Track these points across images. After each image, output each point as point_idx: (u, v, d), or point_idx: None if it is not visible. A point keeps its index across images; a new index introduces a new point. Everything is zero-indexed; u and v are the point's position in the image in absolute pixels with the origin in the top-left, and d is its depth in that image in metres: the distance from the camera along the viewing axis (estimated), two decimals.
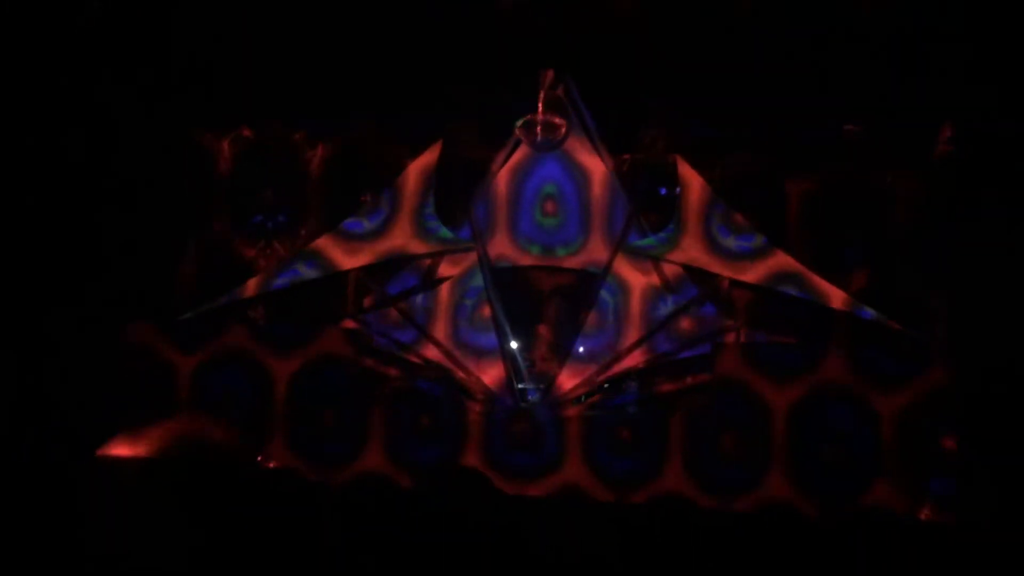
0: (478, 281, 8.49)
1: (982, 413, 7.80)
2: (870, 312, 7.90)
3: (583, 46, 8.22)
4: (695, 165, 8.38)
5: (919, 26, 8.11)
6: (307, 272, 8.36)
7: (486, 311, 8.44)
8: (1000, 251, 7.86)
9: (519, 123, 8.20)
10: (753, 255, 8.18)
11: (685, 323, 8.40)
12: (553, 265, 8.69)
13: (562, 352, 8.40)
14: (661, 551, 6.69)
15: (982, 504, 7.52)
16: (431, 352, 8.47)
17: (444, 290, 8.60)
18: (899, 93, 8.16)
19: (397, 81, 8.39)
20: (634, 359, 8.35)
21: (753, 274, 8.13)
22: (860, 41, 8.21)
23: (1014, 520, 7.23)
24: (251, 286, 8.40)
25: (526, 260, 8.69)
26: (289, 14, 8.34)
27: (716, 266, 8.23)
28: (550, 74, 8.22)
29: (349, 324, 8.57)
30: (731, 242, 8.22)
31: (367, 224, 8.47)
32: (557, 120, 8.18)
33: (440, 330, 8.48)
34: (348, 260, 8.37)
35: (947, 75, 8.05)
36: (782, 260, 8.11)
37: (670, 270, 8.48)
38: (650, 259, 8.47)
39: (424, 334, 8.44)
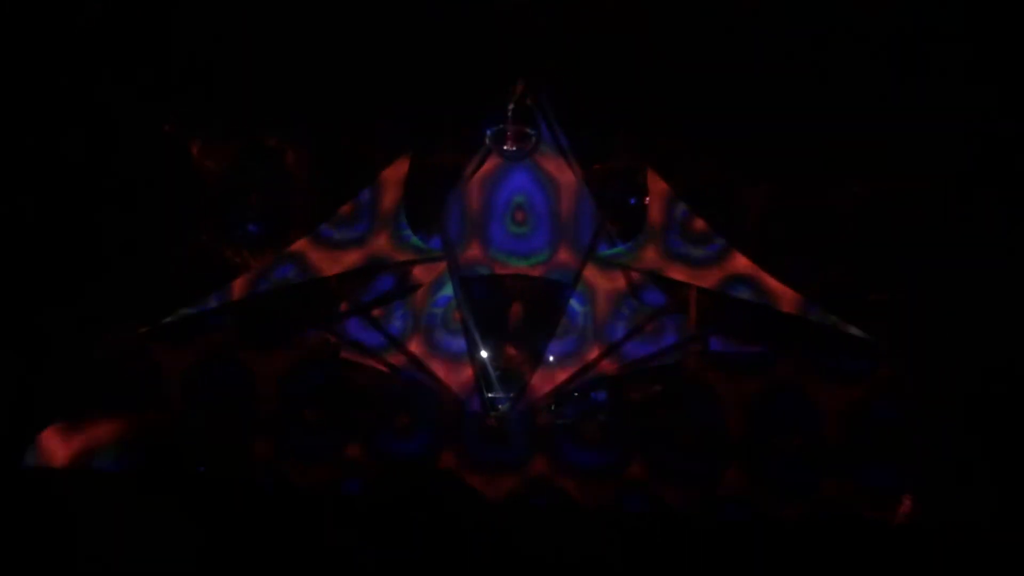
0: (449, 290, 8.51)
1: (948, 411, 7.83)
2: (820, 313, 7.94)
3: (557, 54, 8.26)
4: (674, 170, 8.40)
5: (918, 27, 8.09)
6: (284, 278, 8.31)
7: (457, 319, 8.43)
8: (996, 251, 7.86)
9: (489, 133, 8.23)
10: (712, 260, 8.17)
11: (653, 332, 8.43)
12: (524, 274, 8.74)
13: (532, 360, 8.41)
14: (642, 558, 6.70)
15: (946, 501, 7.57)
16: (403, 359, 8.48)
17: (416, 298, 8.64)
18: (898, 94, 8.17)
19: (387, 87, 8.45)
20: (603, 368, 8.38)
21: (710, 278, 8.12)
22: (859, 42, 8.20)
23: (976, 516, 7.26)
24: (233, 291, 8.35)
25: (498, 269, 8.74)
26: (281, 18, 8.34)
27: (680, 273, 8.22)
28: (520, 85, 8.24)
29: (325, 333, 8.56)
30: (698, 250, 8.21)
31: (338, 234, 8.42)
32: (527, 130, 8.21)
33: (412, 339, 8.51)
34: (327, 266, 8.33)
35: (946, 76, 8.05)
36: (737, 263, 8.12)
37: (639, 279, 8.54)
38: (619, 268, 8.51)
39: (395, 343, 8.47)
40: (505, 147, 8.25)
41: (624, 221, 8.57)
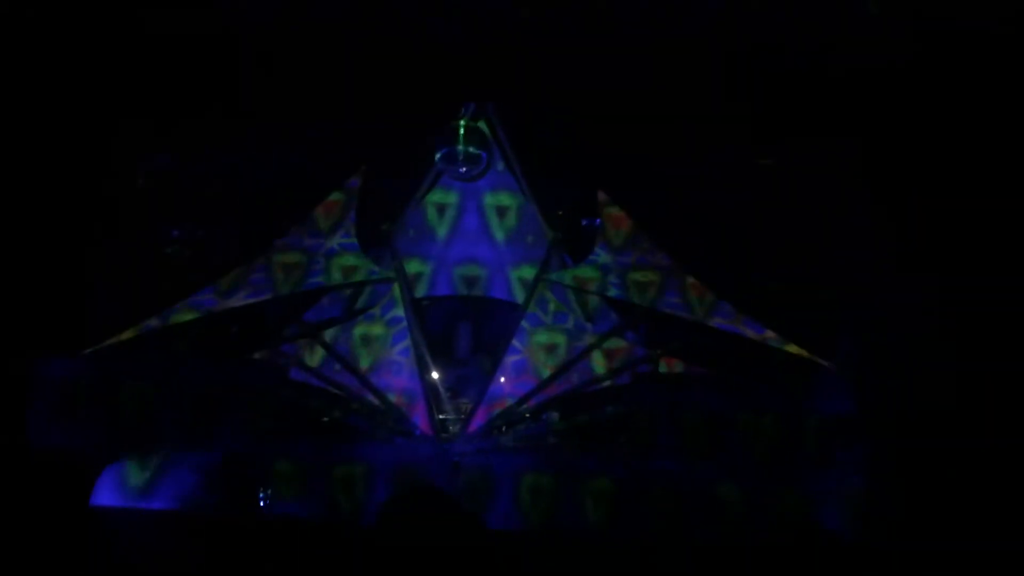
0: (399, 312, 8.41)
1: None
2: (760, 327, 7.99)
3: (509, 74, 8.21)
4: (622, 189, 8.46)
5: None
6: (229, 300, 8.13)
7: (407, 343, 8.32)
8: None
9: (439, 154, 8.21)
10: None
11: (605, 353, 8.40)
12: (475, 296, 8.75)
13: (483, 382, 8.29)
14: None
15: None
16: (352, 384, 8.32)
17: (365, 322, 8.51)
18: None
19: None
20: (555, 389, 8.29)
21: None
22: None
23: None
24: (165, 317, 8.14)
25: (448, 291, 8.76)
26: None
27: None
28: (472, 105, 8.26)
29: (268, 355, 8.47)
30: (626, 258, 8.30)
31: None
32: (478, 152, 8.20)
33: (361, 362, 8.37)
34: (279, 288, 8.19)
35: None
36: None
37: (591, 300, 8.49)
38: (571, 289, 8.46)
39: (345, 366, 8.34)
40: (455, 168, 8.26)
41: (575, 241, 8.60)
